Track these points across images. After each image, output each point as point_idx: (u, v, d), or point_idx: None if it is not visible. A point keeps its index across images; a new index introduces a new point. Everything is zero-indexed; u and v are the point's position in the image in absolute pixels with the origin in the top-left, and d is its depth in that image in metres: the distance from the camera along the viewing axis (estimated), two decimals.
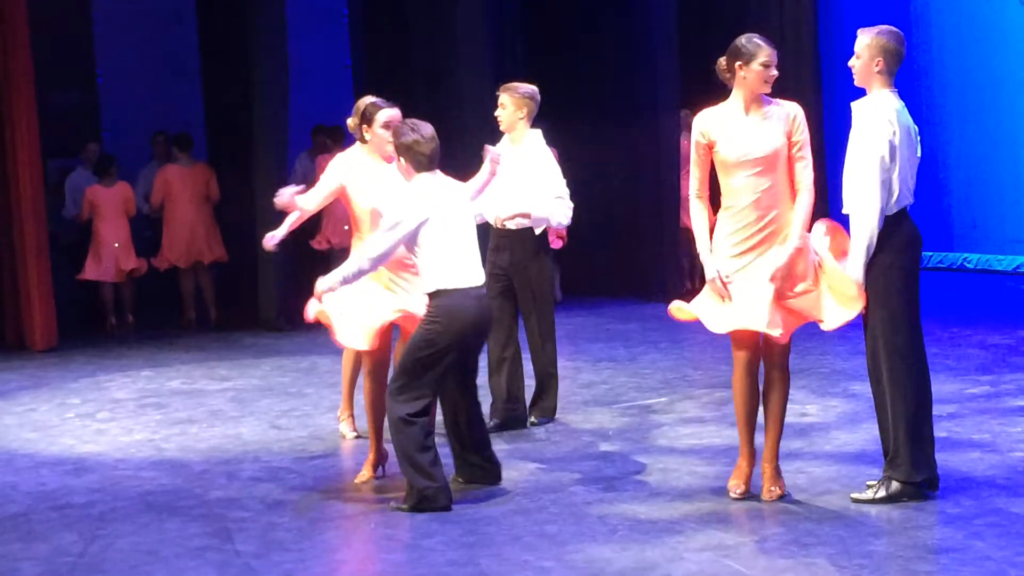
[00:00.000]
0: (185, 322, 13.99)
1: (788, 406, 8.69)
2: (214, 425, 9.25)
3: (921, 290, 6.55)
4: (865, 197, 6.29)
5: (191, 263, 13.97)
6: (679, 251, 14.54)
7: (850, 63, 6.52)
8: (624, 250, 14.81)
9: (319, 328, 13.16)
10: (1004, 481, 6.82)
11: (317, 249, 14.17)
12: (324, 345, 12.35)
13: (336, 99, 16.09)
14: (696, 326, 12.98)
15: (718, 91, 15.61)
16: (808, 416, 8.53)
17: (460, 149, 13.43)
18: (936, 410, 8.35)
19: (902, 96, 6.52)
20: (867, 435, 7.84)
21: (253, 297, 13.64)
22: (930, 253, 16.00)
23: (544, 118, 14.34)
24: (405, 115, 6.91)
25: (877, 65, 6.39)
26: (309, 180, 14.32)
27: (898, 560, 5.73)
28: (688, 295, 14.08)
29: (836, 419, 8.44)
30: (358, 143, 7.56)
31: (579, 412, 9.05)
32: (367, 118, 7.38)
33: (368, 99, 7.51)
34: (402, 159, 6.87)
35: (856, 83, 6.50)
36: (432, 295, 6.79)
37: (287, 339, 12.88)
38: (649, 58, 14.28)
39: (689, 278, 14.73)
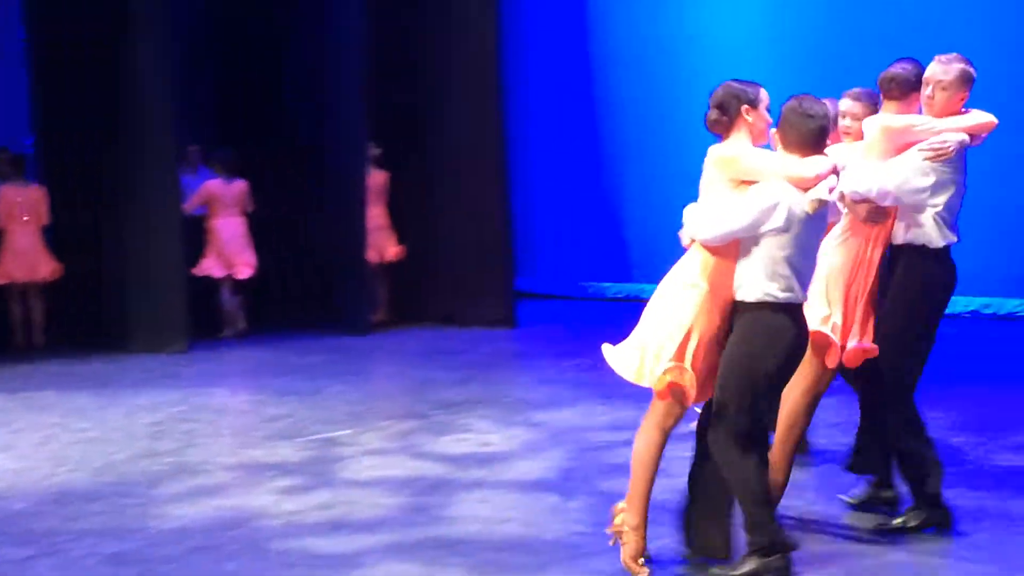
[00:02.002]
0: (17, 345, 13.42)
1: (472, 436, 8.82)
2: None
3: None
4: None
5: (27, 283, 13.42)
6: (370, 284, 14.45)
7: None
8: (311, 282, 14.67)
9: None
10: (676, 505, 6.92)
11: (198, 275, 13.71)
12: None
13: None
14: (382, 357, 13.04)
15: (407, 124, 15.71)
16: (491, 445, 8.53)
17: (141, 172, 13.07)
18: (614, 436, 8.62)
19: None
20: (547, 463, 7.93)
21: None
22: (609, 284, 16.44)
23: (232, 146, 14.18)
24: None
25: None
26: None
27: None
28: (375, 328, 14.10)
29: (519, 448, 8.47)
30: (735, 136, 5.80)
31: (262, 447, 8.83)
32: (750, 100, 5.77)
33: (728, 85, 5.86)
34: (791, 138, 5.69)
35: (936, 114, 6.21)
36: (754, 306, 5.65)
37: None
38: (337, 90, 14.15)
39: (383, 309, 14.64)
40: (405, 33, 14.69)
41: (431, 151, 14.57)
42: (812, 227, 5.62)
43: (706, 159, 5.81)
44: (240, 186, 13.90)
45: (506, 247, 14.31)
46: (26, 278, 13.44)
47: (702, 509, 5.92)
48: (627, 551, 5.82)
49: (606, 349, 5.88)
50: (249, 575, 6.08)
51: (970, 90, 6.20)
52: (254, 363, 12.59)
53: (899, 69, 6.40)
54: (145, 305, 13.18)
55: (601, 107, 16.38)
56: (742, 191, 5.64)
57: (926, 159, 6.06)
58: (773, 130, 5.80)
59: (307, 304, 14.66)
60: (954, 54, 6.21)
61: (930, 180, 6.07)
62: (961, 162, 6.17)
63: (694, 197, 5.82)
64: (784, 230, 5.51)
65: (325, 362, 12.29)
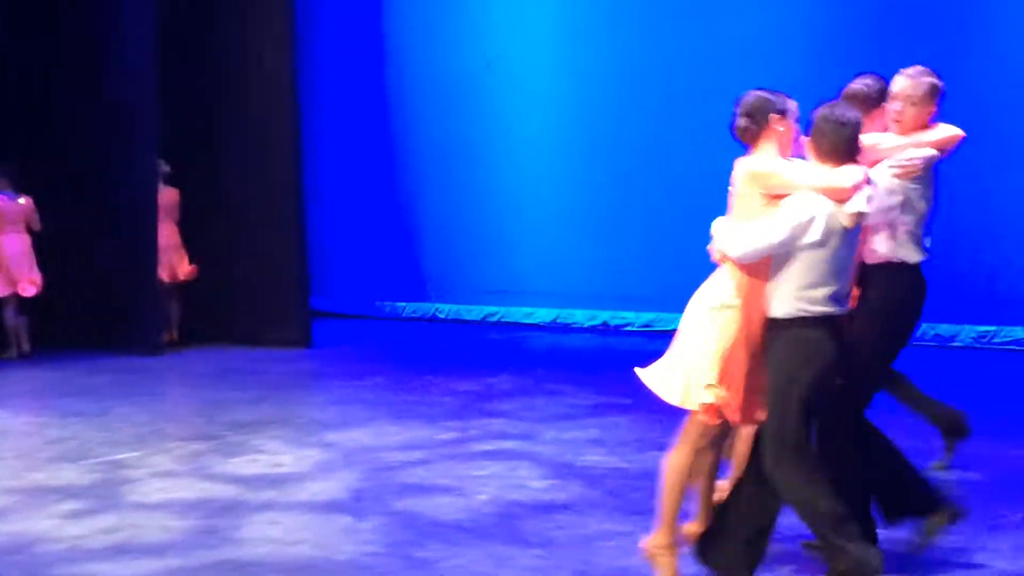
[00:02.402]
0: None
1: (263, 457, 8.66)
2: None
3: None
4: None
5: None
6: (162, 303, 14.15)
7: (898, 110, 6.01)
8: (100, 301, 14.29)
9: None
10: (470, 524, 6.93)
11: None
12: None
13: None
14: (173, 377, 12.76)
15: (199, 143, 15.40)
16: (283, 466, 8.39)
17: None
18: (407, 456, 8.54)
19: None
20: (339, 484, 7.83)
21: None
22: (404, 303, 16.40)
23: (18, 161, 13.73)
24: None
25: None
26: None
27: None
28: (167, 348, 13.79)
29: (311, 469, 8.35)
30: (763, 146, 5.59)
31: (45, 470, 8.54)
32: (780, 109, 5.58)
33: (757, 93, 5.65)
34: (825, 147, 5.48)
35: (906, 129, 6.00)
36: (787, 322, 5.44)
37: None
38: (126, 105, 13.82)
39: (174, 329, 14.34)
40: (197, 50, 14.45)
41: (224, 169, 14.36)
42: (847, 239, 5.42)
43: (735, 172, 5.57)
44: (25, 202, 13.48)
45: (301, 267, 14.16)
46: None
47: (729, 527, 5.67)
48: (661, 573, 5.65)
49: (640, 372, 5.70)
50: None
51: (938, 103, 6.08)
52: (39, 384, 12.20)
53: (861, 85, 6.22)
54: None
55: (397, 129, 16.38)
56: (775, 205, 5.42)
57: (894, 176, 5.91)
58: (805, 139, 5.60)
59: (96, 324, 14.27)
60: (919, 67, 6.08)
61: (898, 197, 5.93)
62: (930, 177, 6.05)
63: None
64: (821, 244, 5.32)
65: (113, 383, 11.98)
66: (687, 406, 5.48)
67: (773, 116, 5.53)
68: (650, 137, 14.26)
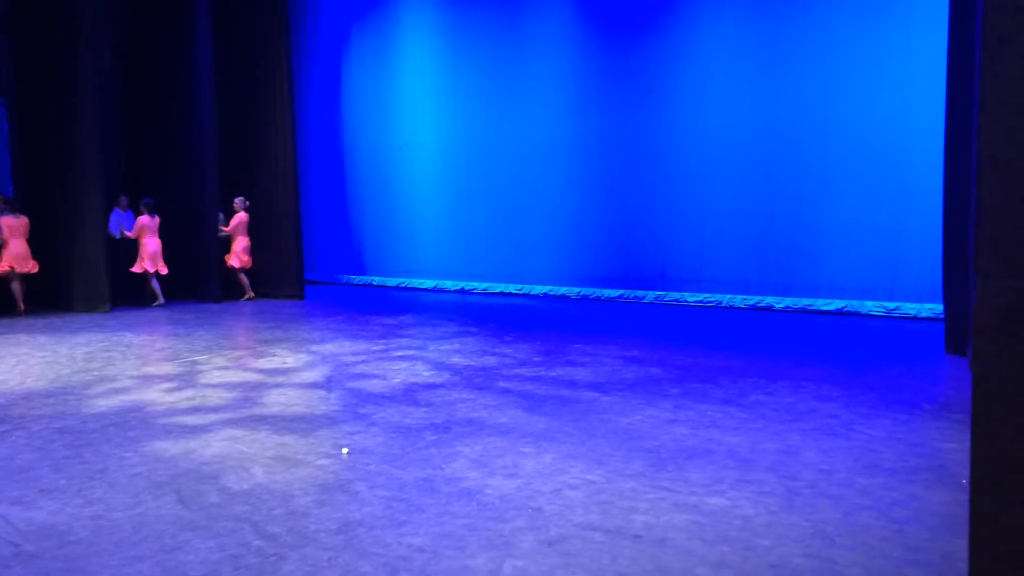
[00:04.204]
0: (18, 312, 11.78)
1: (277, 358, 8.41)
2: None
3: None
4: None
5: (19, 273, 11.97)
6: (230, 276, 13.60)
7: None
8: (190, 275, 13.68)
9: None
10: (389, 394, 6.85)
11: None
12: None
13: None
14: (228, 317, 12.24)
15: None
16: (287, 363, 8.16)
17: None
18: (355, 358, 8.39)
19: None
20: (318, 373, 7.66)
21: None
22: (355, 276, 15.96)
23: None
24: None
25: None
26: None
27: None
28: (224, 300, 13.29)
29: (302, 365, 8.15)
30: None
31: (153, 365, 8.19)
32: None
33: None
34: None
35: None
36: None
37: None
38: None
39: (245, 289, 13.77)
40: None
41: None
42: None
43: None
44: (158, 219, 12.86)
45: (298, 250, 13.79)
46: (21, 269, 12.16)
47: None
48: None
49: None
50: (143, 438, 5.63)
51: None
52: (153, 318, 11.72)
53: None
54: (81, 283, 12.14)
55: None
56: None
57: None
58: None
59: (187, 287, 13.75)
60: None
61: None
62: None
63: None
64: None
65: (194, 318, 11.58)
66: None
67: None
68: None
